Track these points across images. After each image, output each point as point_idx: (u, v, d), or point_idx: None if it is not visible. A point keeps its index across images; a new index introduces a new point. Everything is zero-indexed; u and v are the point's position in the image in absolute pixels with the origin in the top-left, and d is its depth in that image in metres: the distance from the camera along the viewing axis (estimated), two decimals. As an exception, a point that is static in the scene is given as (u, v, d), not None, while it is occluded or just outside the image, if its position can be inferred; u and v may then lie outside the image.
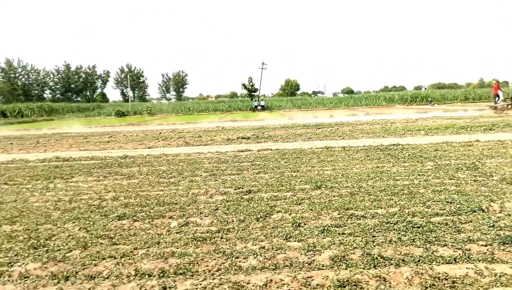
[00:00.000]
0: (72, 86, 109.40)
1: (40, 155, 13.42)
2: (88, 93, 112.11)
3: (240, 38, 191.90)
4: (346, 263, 4.14)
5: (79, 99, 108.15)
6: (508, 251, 4.30)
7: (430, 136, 14.89)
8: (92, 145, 16.64)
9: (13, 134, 26.43)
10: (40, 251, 4.73)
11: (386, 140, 14.34)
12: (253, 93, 62.20)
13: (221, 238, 4.99)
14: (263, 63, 55.46)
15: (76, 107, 70.51)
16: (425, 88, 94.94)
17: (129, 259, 4.41)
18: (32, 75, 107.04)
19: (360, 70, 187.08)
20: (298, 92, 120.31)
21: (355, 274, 3.90)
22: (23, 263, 4.39)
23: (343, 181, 7.78)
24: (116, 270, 4.13)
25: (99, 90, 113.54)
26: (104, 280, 3.95)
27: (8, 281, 3.99)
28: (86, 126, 33.46)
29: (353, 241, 4.71)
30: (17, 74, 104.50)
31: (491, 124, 17.68)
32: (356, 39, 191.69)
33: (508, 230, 4.87)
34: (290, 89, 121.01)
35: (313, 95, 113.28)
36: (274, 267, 4.11)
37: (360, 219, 5.51)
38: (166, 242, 4.88)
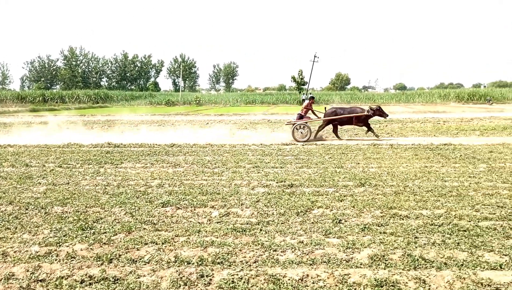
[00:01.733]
0: (128, 74, 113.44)
1: (93, 140, 14.09)
2: (141, 82, 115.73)
3: (293, 30, 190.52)
4: (385, 263, 4.05)
5: (132, 87, 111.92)
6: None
7: (486, 137, 14.19)
8: (141, 132, 17.24)
9: (70, 119, 27.90)
10: (88, 233, 4.98)
11: (437, 139, 13.82)
12: (302, 86, 61.68)
13: (260, 230, 5.03)
14: (315, 56, 54.50)
15: (130, 95, 72.96)
16: (485, 86, 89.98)
17: (170, 245, 4.56)
18: (92, 63, 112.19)
19: (414, 66, 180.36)
20: (348, 87, 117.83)
21: (393, 274, 3.81)
22: (71, 244, 4.64)
23: (388, 179, 7.60)
24: (157, 255, 4.28)
25: (152, 79, 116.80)
26: (145, 264, 4.11)
27: (56, 260, 4.23)
28: (137, 114, 34.69)
29: (394, 241, 4.60)
30: (78, 62, 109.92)
31: (555, 126, 16.53)
32: (412, 32, 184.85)
33: None
34: (340, 83, 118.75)
35: (363, 90, 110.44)
36: (311, 262, 4.10)
37: (403, 219, 5.36)
38: (206, 231, 4.99)
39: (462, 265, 3.96)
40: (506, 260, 4.04)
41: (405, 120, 22.57)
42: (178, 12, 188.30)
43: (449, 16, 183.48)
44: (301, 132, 13.70)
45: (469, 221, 5.18)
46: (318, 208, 5.88)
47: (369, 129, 14.29)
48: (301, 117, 14.42)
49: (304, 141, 13.37)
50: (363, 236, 4.80)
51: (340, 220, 5.35)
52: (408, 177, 7.69)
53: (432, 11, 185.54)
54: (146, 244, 4.60)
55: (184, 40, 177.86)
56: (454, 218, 5.33)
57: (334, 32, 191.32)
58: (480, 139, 13.47)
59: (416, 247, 4.40)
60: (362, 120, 14.22)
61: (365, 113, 14.06)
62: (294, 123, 14.02)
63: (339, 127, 14.75)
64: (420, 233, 4.83)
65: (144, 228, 5.12)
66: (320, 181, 7.47)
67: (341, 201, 6.22)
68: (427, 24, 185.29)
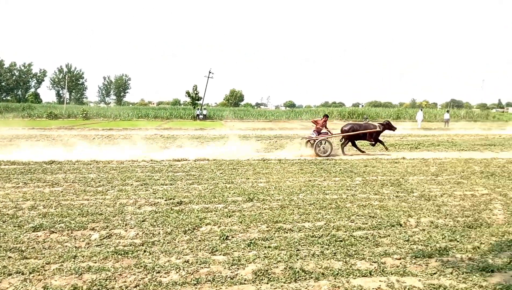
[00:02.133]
0: (3, 84, 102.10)
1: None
2: (19, 93, 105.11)
3: (188, 46, 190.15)
4: (268, 277, 4.14)
5: (8, 98, 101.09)
6: (419, 265, 4.53)
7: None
8: (16, 148, 15.55)
9: None
10: None
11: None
12: (197, 102, 61.61)
13: (144, 251, 4.81)
14: (210, 72, 55.10)
15: (4, 107, 65.56)
16: (362, 106, 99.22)
17: (39, 274, 4.12)
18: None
19: (303, 85, 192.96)
20: (242, 103, 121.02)
21: (276, 288, 3.91)
22: None
23: (275, 193, 7.86)
24: (22, 287, 3.83)
25: (32, 90, 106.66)
26: (6, 298, 3.64)
27: None
28: (12, 127, 31.30)
29: (278, 254, 4.73)
30: None
31: (417, 142, 18.81)
32: (300, 54, 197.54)
33: (421, 244, 5.15)
34: (234, 100, 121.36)
35: (256, 107, 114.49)
36: (195, 282, 4.02)
37: (287, 232, 5.56)
38: (83, 256, 4.62)
39: (337, 274, 4.22)
40: (375, 267, 4.41)
41: (293, 136, 23.76)
42: (64, 19, 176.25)
43: (333, 41, 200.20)
44: (323, 147, 14.09)
45: (345, 232, 5.57)
46: (206, 225, 5.83)
47: (381, 142, 15.43)
48: (319, 133, 14.89)
49: (326, 156, 13.82)
50: (249, 251, 4.86)
51: (228, 236, 5.36)
52: (293, 191, 8.04)
53: (317, 34, 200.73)
54: (10, 275, 4.09)
55: (71, 48, 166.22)
56: (333, 229, 5.68)
57: (228, 48, 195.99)
58: (357, 154, 14.70)
59: (297, 260, 4.58)
60: (375, 136, 15.25)
61: (377, 129, 15.16)
62: (316, 139, 14.43)
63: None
64: (302, 246, 5.05)
65: (9, 257, 4.56)
66: (210, 197, 7.44)
67: (229, 217, 6.26)
68: (313, 46, 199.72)
